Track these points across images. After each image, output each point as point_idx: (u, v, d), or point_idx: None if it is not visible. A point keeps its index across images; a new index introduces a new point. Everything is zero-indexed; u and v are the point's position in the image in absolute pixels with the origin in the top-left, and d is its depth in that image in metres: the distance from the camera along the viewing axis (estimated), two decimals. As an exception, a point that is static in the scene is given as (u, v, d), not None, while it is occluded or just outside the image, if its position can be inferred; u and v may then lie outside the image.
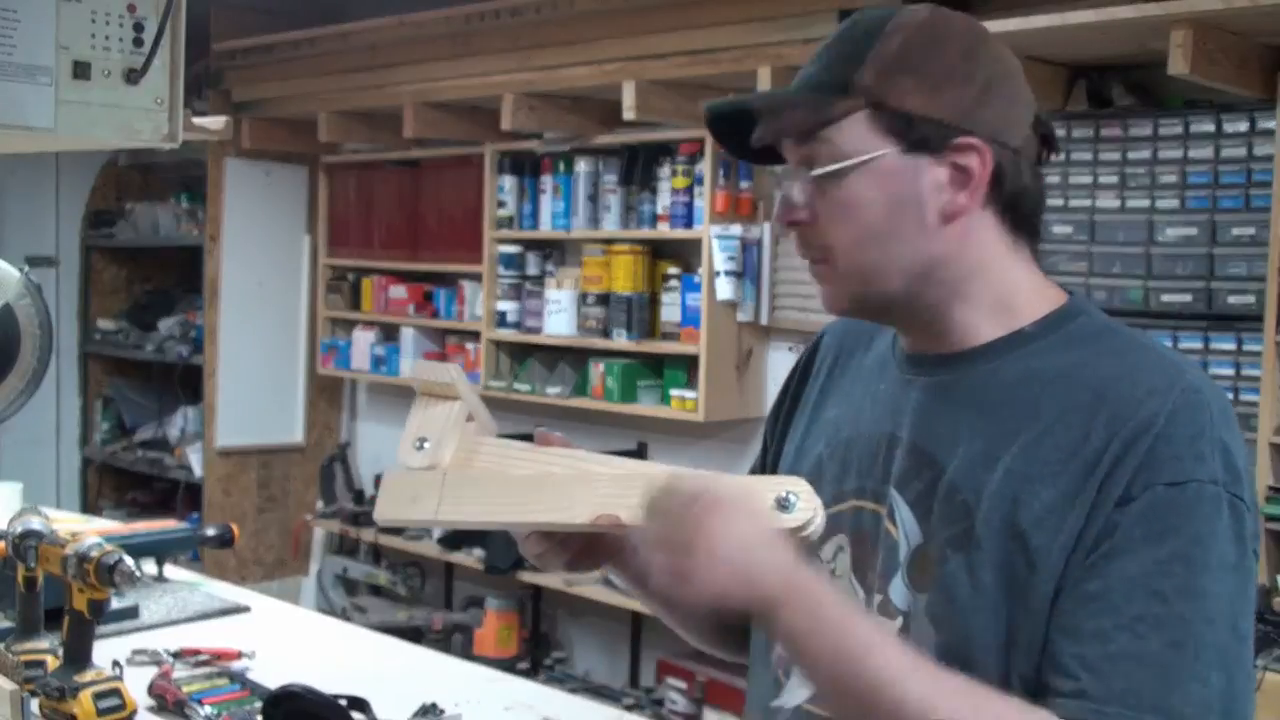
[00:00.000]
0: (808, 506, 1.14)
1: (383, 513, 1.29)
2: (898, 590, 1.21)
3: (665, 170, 4.14)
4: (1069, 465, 1.11)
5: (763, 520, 1.13)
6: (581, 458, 1.28)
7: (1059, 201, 3.09)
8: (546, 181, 4.50)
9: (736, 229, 3.98)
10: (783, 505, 1.14)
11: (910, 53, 1.17)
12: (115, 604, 1.97)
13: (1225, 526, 1.09)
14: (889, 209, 1.18)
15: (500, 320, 4.62)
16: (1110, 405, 1.12)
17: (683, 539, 1.10)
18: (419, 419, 1.31)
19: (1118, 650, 1.06)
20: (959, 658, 1.12)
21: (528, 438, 1.33)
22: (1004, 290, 1.21)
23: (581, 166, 4.38)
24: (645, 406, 4.21)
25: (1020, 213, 1.22)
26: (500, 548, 4.48)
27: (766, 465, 1.44)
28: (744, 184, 4.02)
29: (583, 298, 4.34)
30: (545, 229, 4.52)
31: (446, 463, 1.28)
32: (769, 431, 1.45)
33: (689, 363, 4.09)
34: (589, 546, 1.33)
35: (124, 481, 6.12)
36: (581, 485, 1.24)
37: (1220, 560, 1.08)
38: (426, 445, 1.29)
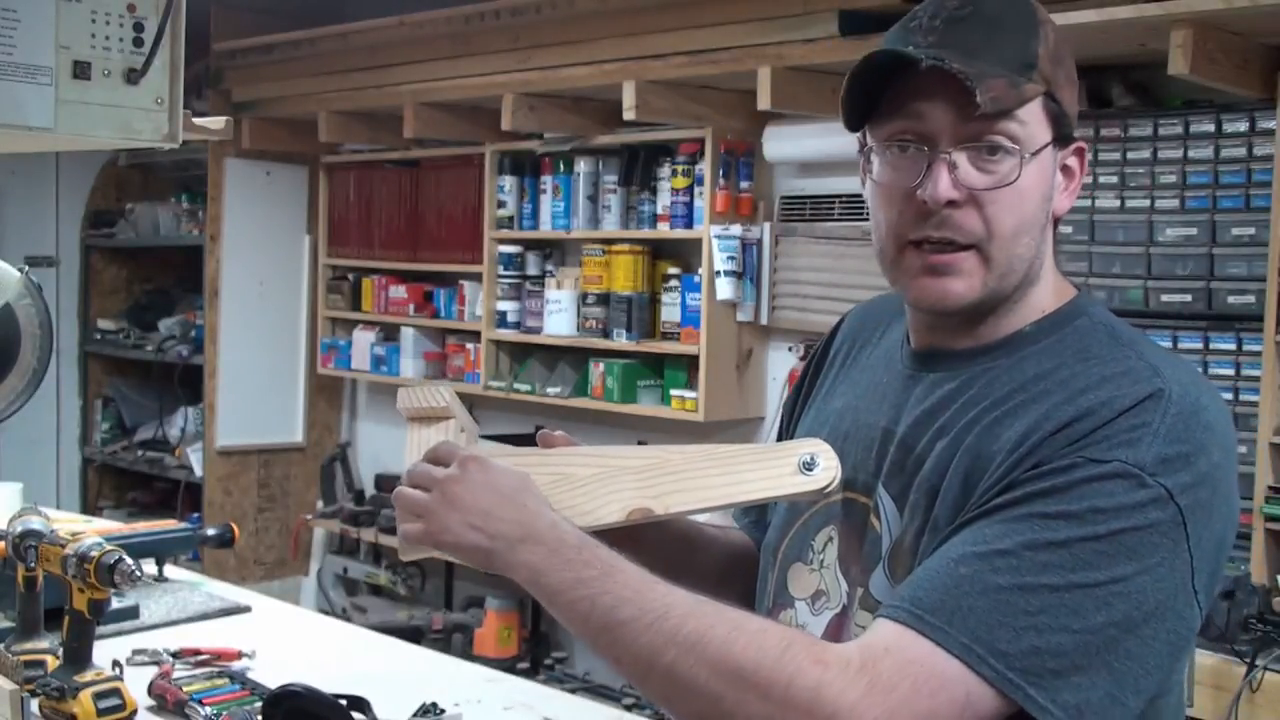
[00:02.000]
0: (829, 468, 1.21)
1: (408, 550, 1.25)
2: (878, 582, 1.22)
3: (665, 170, 4.14)
4: (1014, 447, 1.11)
5: (507, 475, 1.20)
6: (595, 453, 1.29)
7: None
8: (546, 181, 4.50)
9: (736, 229, 3.98)
10: (806, 467, 1.21)
11: (1060, 48, 1.18)
12: (115, 604, 1.97)
13: (1133, 509, 1.06)
14: (1040, 202, 1.18)
15: (500, 320, 4.62)
16: (1072, 399, 1.12)
17: (435, 485, 1.20)
18: (416, 445, 1.30)
19: (967, 574, 1.06)
20: None
21: (529, 438, 1.33)
22: (1042, 289, 1.22)
23: (581, 166, 4.38)
24: (645, 406, 4.21)
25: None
26: (500, 548, 4.48)
27: None
28: (744, 184, 4.02)
29: (583, 298, 4.34)
30: (545, 229, 4.52)
31: None
32: (786, 413, 1.47)
33: (689, 363, 4.09)
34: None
35: (124, 481, 6.11)
36: (605, 483, 1.25)
37: (1112, 536, 1.05)
38: None
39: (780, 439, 1.47)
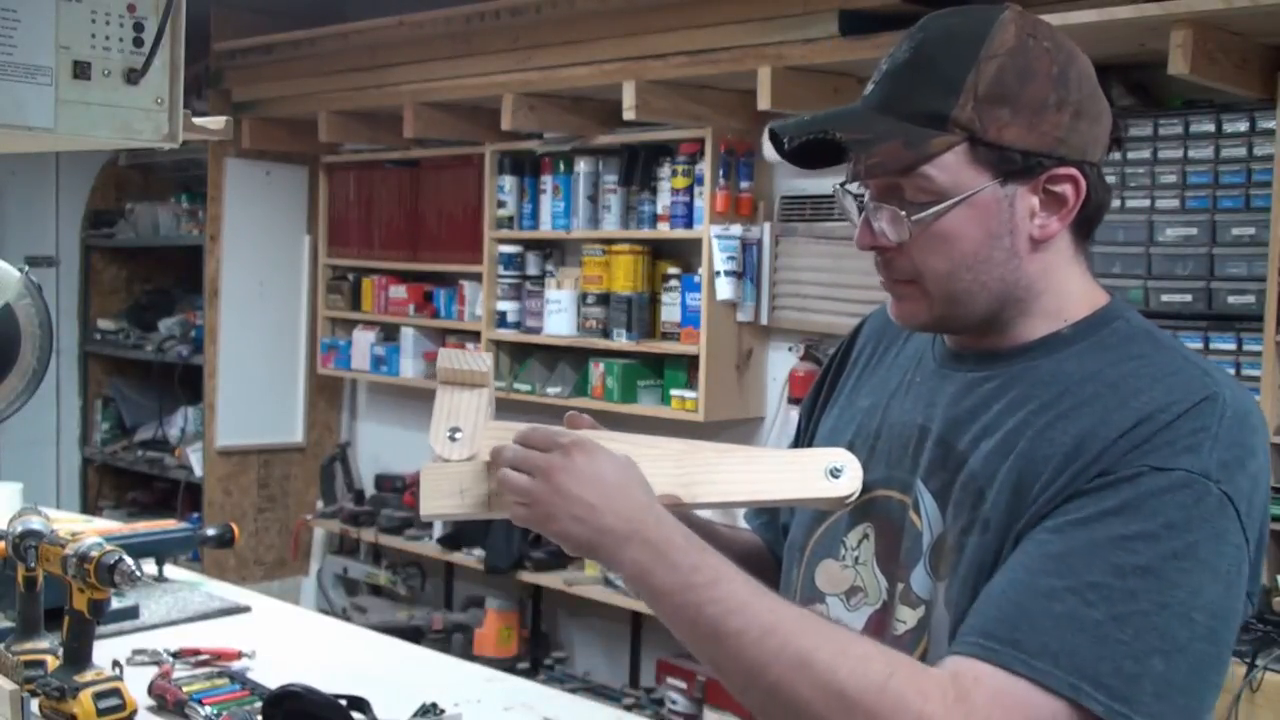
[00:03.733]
0: (854, 477, 1.24)
1: (430, 509, 1.25)
2: (919, 579, 1.23)
3: (665, 170, 4.14)
4: (1073, 453, 1.13)
5: (612, 463, 1.20)
6: (623, 439, 1.29)
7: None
8: (546, 181, 4.50)
9: (736, 229, 3.98)
10: (833, 474, 1.23)
11: (1006, 82, 1.16)
12: (115, 604, 1.97)
13: (1203, 519, 1.09)
14: (983, 240, 1.19)
15: (500, 320, 4.62)
16: (1127, 402, 1.13)
17: (539, 473, 1.18)
18: (446, 408, 1.28)
19: (1063, 611, 1.08)
20: None
21: None
22: (1062, 299, 1.23)
23: (581, 166, 4.38)
24: (645, 406, 4.21)
25: (1092, 222, 1.24)
26: (500, 547, 4.48)
27: (800, 446, 1.46)
28: (744, 184, 4.02)
29: (583, 298, 4.34)
30: (545, 229, 4.52)
31: (482, 451, 1.27)
32: (805, 413, 1.48)
33: (689, 363, 4.09)
34: None
35: (124, 481, 6.12)
36: None
37: (1189, 550, 1.08)
38: (460, 435, 1.26)
39: (798, 439, 1.48)
